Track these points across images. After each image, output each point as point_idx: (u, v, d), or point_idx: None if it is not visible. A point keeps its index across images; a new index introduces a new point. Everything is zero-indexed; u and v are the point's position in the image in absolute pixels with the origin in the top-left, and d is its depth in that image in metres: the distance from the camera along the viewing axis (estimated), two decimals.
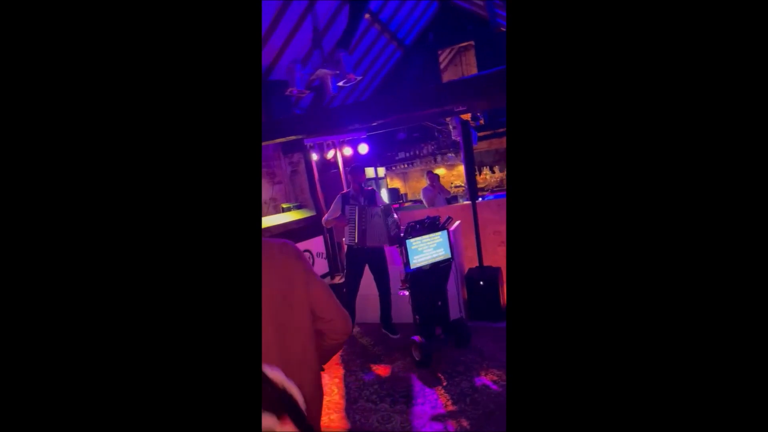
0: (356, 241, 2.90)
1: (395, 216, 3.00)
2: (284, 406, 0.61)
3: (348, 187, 3.16)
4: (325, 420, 2.18)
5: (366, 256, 3.03)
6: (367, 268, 3.10)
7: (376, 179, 7.45)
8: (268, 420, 0.55)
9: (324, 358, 1.01)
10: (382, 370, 2.69)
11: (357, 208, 2.91)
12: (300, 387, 0.83)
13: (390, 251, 3.11)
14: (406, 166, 7.59)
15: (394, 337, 3.12)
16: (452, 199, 5.98)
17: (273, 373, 0.60)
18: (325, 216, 3.12)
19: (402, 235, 2.65)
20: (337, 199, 3.08)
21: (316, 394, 0.92)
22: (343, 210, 2.99)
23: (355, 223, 2.90)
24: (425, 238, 2.69)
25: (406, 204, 7.22)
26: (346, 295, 3.13)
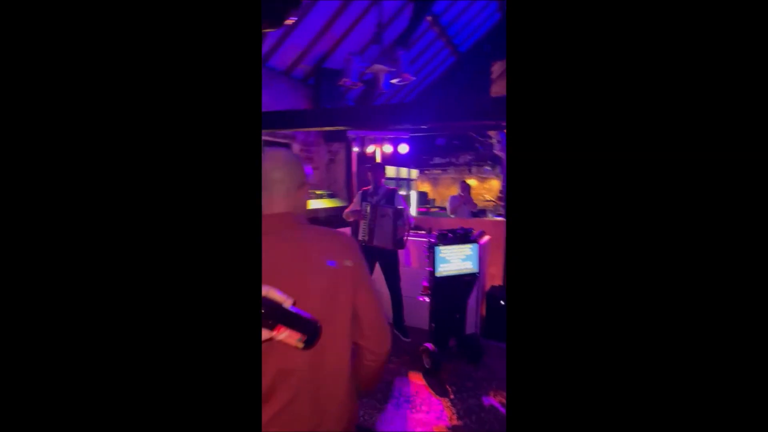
0: (366, 239, 2.93)
1: (410, 220, 2.99)
2: (273, 316, 0.60)
3: (369, 184, 3.16)
4: None
5: (376, 254, 3.03)
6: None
7: (408, 180, 7.45)
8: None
9: (361, 380, 0.90)
10: (390, 371, 2.69)
11: (369, 206, 2.94)
12: (331, 396, 0.80)
13: (402, 253, 3.11)
14: (439, 171, 7.56)
15: (405, 340, 3.12)
16: (480, 213, 5.90)
17: None
18: (347, 209, 3.15)
19: (433, 241, 2.64)
20: (358, 194, 3.11)
21: (346, 408, 0.84)
22: (361, 206, 3.01)
23: (370, 221, 2.92)
24: (455, 248, 2.67)
25: (433, 209, 7.19)
26: None
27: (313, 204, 4.23)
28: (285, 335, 0.62)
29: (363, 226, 2.97)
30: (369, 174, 3.14)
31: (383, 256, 3.05)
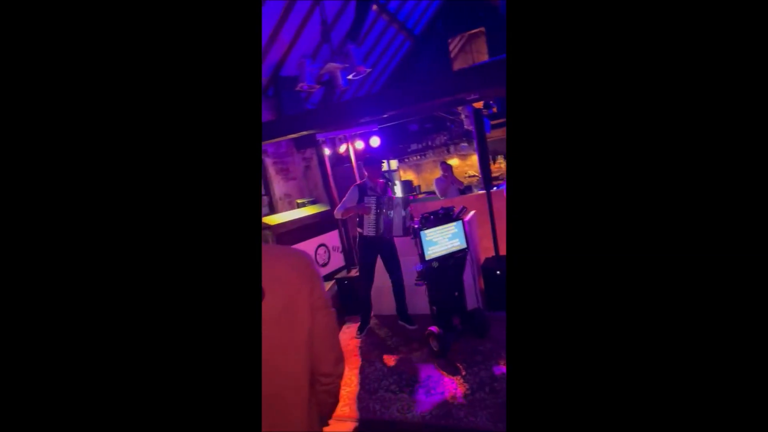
0: (381, 231, 2.94)
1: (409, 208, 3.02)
2: None
3: (362, 178, 3.14)
4: (345, 410, 2.22)
5: (379, 245, 3.04)
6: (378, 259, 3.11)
7: (389, 172, 7.43)
8: None
9: (320, 407, 0.86)
10: (400, 360, 2.71)
11: (384, 198, 2.94)
12: (289, 421, 0.75)
13: (399, 242, 3.12)
14: (418, 157, 7.55)
15: (412, 328, 3.14)
16: (466, 189, 5.92)
17: None
18: (340, 206, 3.05)
19: (416, 226, 2.64)
20: (353, 189, 3.05)
21: None
22: (360, 201, 2.99)
23: (377, 214, 2.93)
24: (440, 229, 2.68)
25: (420, 196, 7.19)
26: (362, 287, 3.16)
27: (297, 213, 4.22)
28: None
29: (370, 219, 2.95)
30: (366, 170, 3.09)
31: (385, 246, 3.06)
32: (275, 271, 0.77)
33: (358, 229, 3.06)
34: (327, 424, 0.92)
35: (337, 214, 3.07)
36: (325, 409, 0.88)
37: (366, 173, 3.09)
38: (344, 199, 3.06)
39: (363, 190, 3.03)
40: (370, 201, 2.95)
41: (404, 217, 2.95)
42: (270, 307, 0.75)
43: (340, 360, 0.86)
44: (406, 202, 2.97)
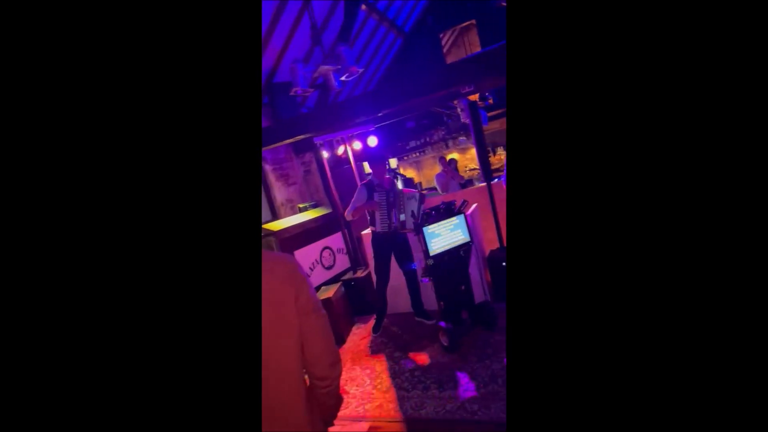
0: (393, 226, 2.95)
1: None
2: None
3: (365, 178, 3.15)
4: (359, 410, 2.23)
5: (392, 241, 3.05)
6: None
7: (392, 170, 7.43)
8: None
9: (322, 413, 0.86)
10: (412, 357, 2.71)
11: (398, 192, 2.96)
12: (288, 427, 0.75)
13: (413, 238, 3.12)
14: (417, 154, 7.54)
15: (430, 322, 3.12)
16: (468, 183, 5.91)
17: None
18: (351, 207, 3.06)
19: (418, 222, 2.64)
20: (360, 188, 3.06)
21: None
22: (369, 198, 2.99)
23: (388, 209, 2.94)
24: (442, 224, 2.68)
25: (423, 192, 7.18)
26: (377, 285, 3.15)
27: (300, 218, 4.22)
28: None
29: (382, 216, 2.98)
30: (371, 168, 3.12)
31: (398, 242, 3.07)
32: (265, 277, 0.76)
33: (371, 227, 3.07)
34: (332, 425, 0.92)
35: (348, 215, 3.07)
36: (328, 411, 0.88)
37: (371, 171, 3.10)
38: (353, 199, 3.07)
39: (371, 188, 3.04)
40: (381, 197, 2.97)
41: (417, 212, 2.95)
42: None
43: (335, 363, 0.84)
44: (421, 197, 2.98)
